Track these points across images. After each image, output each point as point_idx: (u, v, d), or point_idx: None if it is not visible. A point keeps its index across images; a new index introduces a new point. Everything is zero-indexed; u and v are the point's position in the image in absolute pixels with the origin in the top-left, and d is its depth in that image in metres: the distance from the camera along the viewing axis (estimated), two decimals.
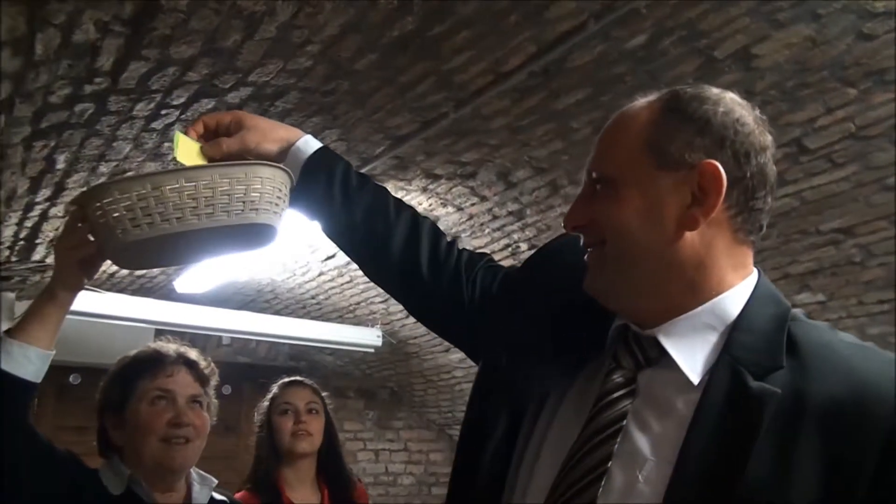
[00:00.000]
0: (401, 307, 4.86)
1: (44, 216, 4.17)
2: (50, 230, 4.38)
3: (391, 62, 2.98)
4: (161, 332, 5.55)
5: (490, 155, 3.76)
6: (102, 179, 3.78)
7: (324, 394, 2.96)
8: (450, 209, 4.33)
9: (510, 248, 4.68)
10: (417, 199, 4.23)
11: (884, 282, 3.98)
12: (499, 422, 1.15)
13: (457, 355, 6.50)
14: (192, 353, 2.07)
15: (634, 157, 1.09)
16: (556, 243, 1.36)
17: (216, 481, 2.05)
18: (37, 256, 4.79)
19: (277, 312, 6.15)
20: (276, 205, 1.43)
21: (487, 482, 1.13)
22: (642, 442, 1.03)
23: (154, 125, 3.30)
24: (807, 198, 3.62)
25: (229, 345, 6.70)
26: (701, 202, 1.05)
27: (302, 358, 7.05)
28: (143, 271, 5.27)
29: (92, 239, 1.46)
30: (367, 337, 6.24)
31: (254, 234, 1.46)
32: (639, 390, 1.07)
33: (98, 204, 1.39)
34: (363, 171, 3.81)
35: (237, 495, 2.64)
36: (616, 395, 1.07)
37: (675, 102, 1.11)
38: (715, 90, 1.13)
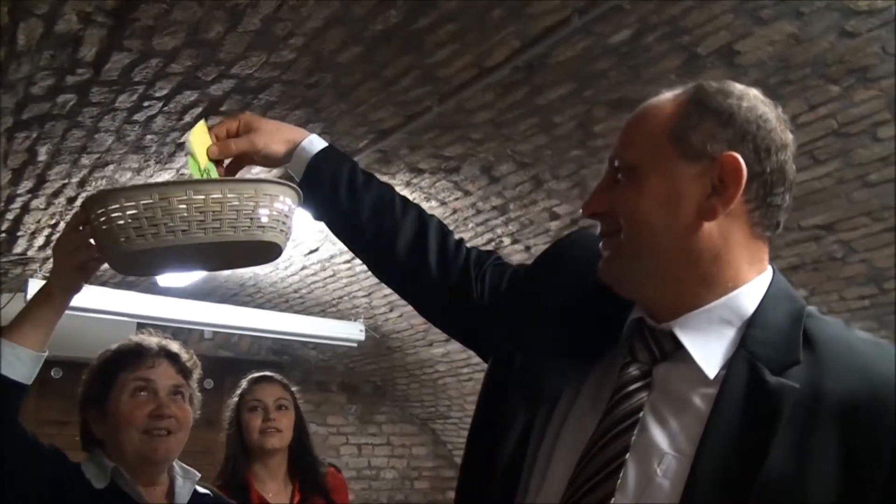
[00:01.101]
0: (384, 301, 4.88)
1: (25, 208, 4.14)
2: (31, 222, 4.36)
3: (375, 56, 2.98)
4: (143, 325, 5.53)
5: (474, 149, 3.76)
6: (84, 172, 3.77)
7: (294, 388, 2.95)
8: (433, 203, 4.33)
9: (493, 243, 4.69)
10: (401, 192, 4.22)
11: (864, 278, 4.00)
12: (513, 417, 1.14)
13: (440, 350, 6.50)
14: (174, 346, 2.06)
15: (657, 146, 1.10)
16: (566, 239, 1.37)
17: (199, 475, 2.04)
18: (18, 249, 4.76)
19: (260, 306, 6.13)
20: (283, 223, 1.43)
21: (503, 476, 1.12)
22: (659, 436, 1.03)
23: (136, 117, 3.29)
24: None
25: (211, 339, 6.68)
26: (720, 193, 1.06)
27: (284, 352, 7.04)
28: None
29: (93, 243, 1.45)
30: (350, 331, 6.23)
31: (258, 250, 1.46)
32: (654, 383, 1.07)
33: (103, 210, 1.38)
34: None
35: None
36: (632, 387, 1.07)
37: (701, 95, 1.12)
38: (740, 86, 1.14)
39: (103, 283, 5.46)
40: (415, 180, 4.10)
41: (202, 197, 1.36)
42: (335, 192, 1.43)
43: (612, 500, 1.00)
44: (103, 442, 1.92)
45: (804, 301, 1.12)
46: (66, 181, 3.88)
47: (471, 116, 3.46)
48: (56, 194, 4.03)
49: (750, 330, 1.06)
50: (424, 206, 4.31)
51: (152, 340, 2.03)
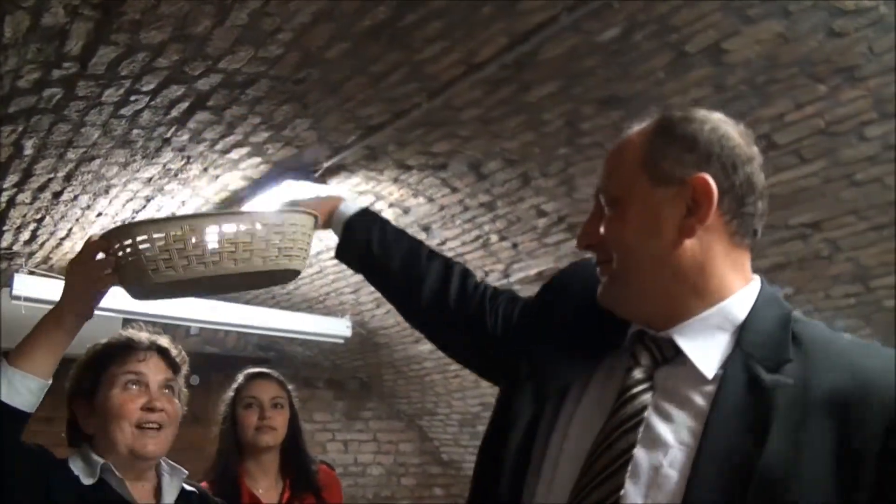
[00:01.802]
0: (371, 298, 4.87)
1: (11, 202, 4.12)
2: (17, 216, 4.34)
3: (363, 51, 2.97)
4: (129, 321, 5.50)
5: (461, 146, 3.76)
6: (70, 166, 3.75)
7: (290, 386, 2.94)
8: (421, 200, 4.33)
9: (481, 240, 4.69)
10: (388, 189, 4.22)
11: (850, 276, 4.02)
12: (520, 418, 1.24)
13: (427, 346, 6.50)
14: (164, 340, 2.05)
15: (633, 177, 1.20)
16: (569, 268, 1.49)
17: (186, 472, 2.03)
18: (4, 243, 4.73)
19: (247, 302, 6.11)
20: (305, 249, 1.54)
21: (511, 474, 1.22)
22: (664, 430, 1.12)
23: (123, 111, 3.27)
24: (775, 192, 3.63)
25: (197, 335, 6.65)
26: (696, 212, 1.15)
27: (271, 348, 7.02)
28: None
29: (109, 272, 1.48)
30: (337, 327, 6.22)
31: (278, 274, 1.54)
32: (657, 385, 1.17)
33: (130, 241, 1.41)
34: (334, 160, 3.81)
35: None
36: (636, 389, 1.16)
37: (665, 124, 1.22)
38: (702, 111, 1.24)
39: None
40: (402, 177, 4.10)
41: (234, 230, 1.43)
42: (369, 247, 1.65)
43: (622, 491, 1.08)
44: (92, 437, 1.90)
45: (790, 306, 1.22)
46: (52, 175, 3.86)
47: (459, 113, 3.46)
48: (42, 188, 4.01)
49: (743, 334, 1.15)
50: (412, 202, 4.32)
51: (142, 335, 2.02)
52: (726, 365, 1.13)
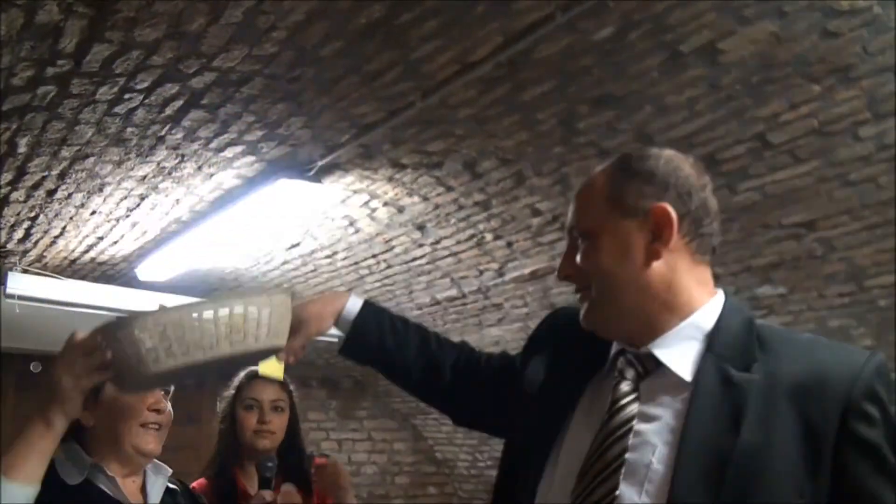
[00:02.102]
0: (365, 296, 4.85)
1: (4, 200, 4.11)
2: (11, 215, 4.33)
3: (358, 50, 2.97)
4: None
5: (456, 145, 3.76)
6: (64, 164, 3.75)
7: (291, 387, 2.91)
8: (416, 199, 4.33)
9: (475, 239, 4.69)
10: (383, 188, 4.22)
11: (844, 275, 4.03)
12: (527, 436, 1.42)
13: None
14: None
15: (602, 212, 1.35)
16: (551, 314, 1.67)
17: (171, 471, 2.03)
18: None
19: None
20: (287, 327, 1.60)
21: (521, 481, 1.38)
22: (650, 433, 1.26)
23: (117, 109, 3.26)
24: (769, 192, 3.65)
25: None
26: (659, 237, 1.31)
27: None
28: (106, 258, 5.22)
29: (100, 366, 1.48)
30: None
31: (263, 353, 1.62)
32: (642, 395, 1.31)
33: (128, 333, 1.43)
34: (328, 159, 3.81)
35: (196, 482, 2.64)
36: (625, 400, 1.31)
37: (625, 163, 1.38)
38: (656, 149, 1.40)
39: (83, 277, 5.43)
40: (397, 175, 4.09)
41: (227, 312, 1.48)
42: (382, 342, 1.71)
43: (618, 491, 1.23)
44: (85, 433, 1.88)
45: (752, 313, 1.39)
46: (46, 173, 3.85)
47: (454, 112, 3.46)
48: (36, 186, 4.00)
49: (713, 340, 1.31)
50: (406, 201, 4.32)
51: None
52: (700, 368, 1.28)
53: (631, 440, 1.26)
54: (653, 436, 1.26)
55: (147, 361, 1.43)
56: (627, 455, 1.25)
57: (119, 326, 1.45)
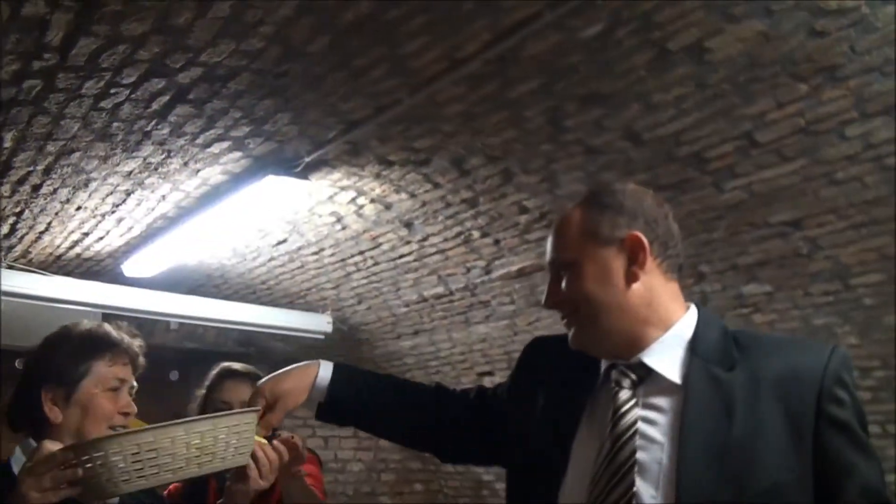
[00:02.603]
0: (352, 294, 4.86)
1: None
2: None
3: (345, 46, 2.96)
4: (108, 316, 5.48)
5: (444, 142, 3.75)
6: (50, 159, 3.73)
7: None
8: (403, 196, 4.32)
9: (463, 236, 4.69)
10: (370, 185, 4.21)
11: (829, 273, 4.04)
12: (536, 454, 1.55)
13: (408, 342, 6.50)
14: (138, 341, 2.02)
15: (580, 243, 1.51)
16: (529, 346, 1.78)
17: None
18: None
19: (227, 297, 6.08)
20: (252, 444, 1.67)
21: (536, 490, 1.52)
22: (654, 433, 1.41)
23: (103, 104, 3.25)
24: (756, 191, 3.66)
25: (177, 330, 6.62)
26: (635, 261, 1.47)
27: (251, 344, 6.99)
28: (92, 254, 5.20)
29: (69, 482, 1.48)
30: (318, 323, 6.20)
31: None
32: (639, 401, 1.45)
33: (102, 454, 1.45)
34: (315, 155, 3.80)
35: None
36: (626, 407, 1.44)
37: (596, 198, 1.54)
38: (619, 183, 1.58)
39: (68, 273, 5.41)
40: (384, 172, 4.09)
41: (199, 433, 1.54)
42: (358, 398, 1.78)
43: (635, 487, 1.36)
44: (49, 428, 1.82)
45: (723, 321, 1.56)
46: (31, 168, 3.83)
47: (441, 109, 3.45)
48: (21, 182, 3.98)
49: (695, 346, 1.47)
50: (394, 198, 4.32)
51: (126, 337, 1.99)
52: (688, 371, 1.44)
53: (638, 441, 1.40)
54: (657, 434, 1.40)
55: (118, 482, 1.46)
56: (638, 455, 1.38)
57: (93, 446, 1.47)
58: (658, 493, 1.35)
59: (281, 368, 1.80)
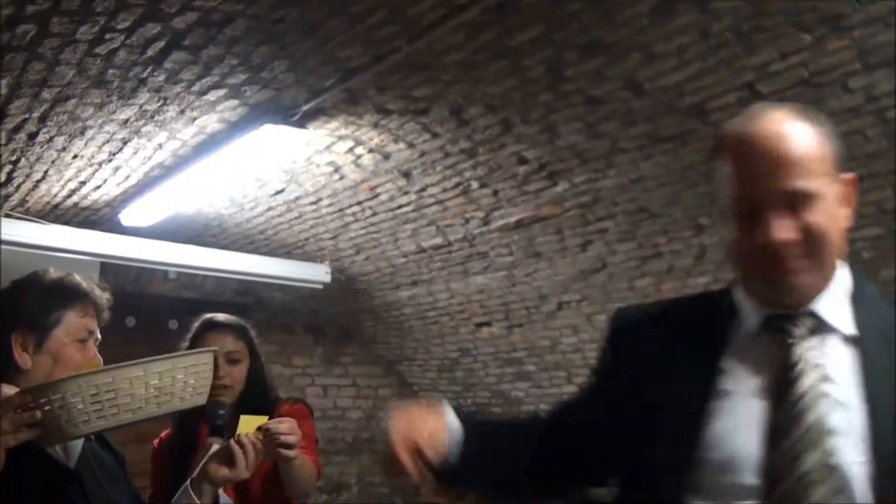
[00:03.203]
0: (350, 244, 4.85)
1: None
2: None
3: None
4: (106, 265, 5.48)
5: (443, 91, 3.72)
6: (45, 106, 3.70)
7: (252, 331, 2.81)
8: (401, 145, 4.30)
9: (461, 187, 4.67)
10: (368, 134, 4.19)
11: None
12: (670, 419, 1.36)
13: (406, 292, 6.51)
14: (107, 294, 2.01)
15: (824, 174, 1.32)
16: (615, 319, 1.57)
17: None
18: None
19: (225, 247, 6.08)
20: (209, 383, 1.71)
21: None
22: (840, 393, 1.28)
23: (98, 50, 3.21)
24: None
25: (175, 279, 6.63)
26: (850, 206, 1.37)
27: (249, 293, 7.01)
28: (89, 203, 5.19)
29: (28, 424, 1.48)
30: (316, 273, 6.21)
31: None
32: (817, 355, 1.31)
33: (60, 395, 1.47)
34: (313, 103, 3.76)
35: (164, 433, 2.72)
36: (802, 362, 1.30)
37: (818, 121, 1.37)
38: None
39: (66, 222, 5.40)
40: (383, 121, 4.06)
41: (157, 372, 1.57)
42: (501, 460, 1.55)
43: (836, 453, 1.23)
44: (17, 374, 1.78)
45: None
46: (26, 116, 3.80)
47: (440, 57, 3.41)
48: (17, 129, 3.95)
49: (858, 299, 1.37)
50: (392, 148, 4.29)
51: (91, 283, 1.97)
52: (859, 326, 1.34)
53: (826, 400, 1.27)
54: (840, 393, 1.28)
55: (77, 423, 1.48)
56: (830, 415, 1.26)
57: (51, 388, 1.48)
58: (856, 454, 1.23)
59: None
